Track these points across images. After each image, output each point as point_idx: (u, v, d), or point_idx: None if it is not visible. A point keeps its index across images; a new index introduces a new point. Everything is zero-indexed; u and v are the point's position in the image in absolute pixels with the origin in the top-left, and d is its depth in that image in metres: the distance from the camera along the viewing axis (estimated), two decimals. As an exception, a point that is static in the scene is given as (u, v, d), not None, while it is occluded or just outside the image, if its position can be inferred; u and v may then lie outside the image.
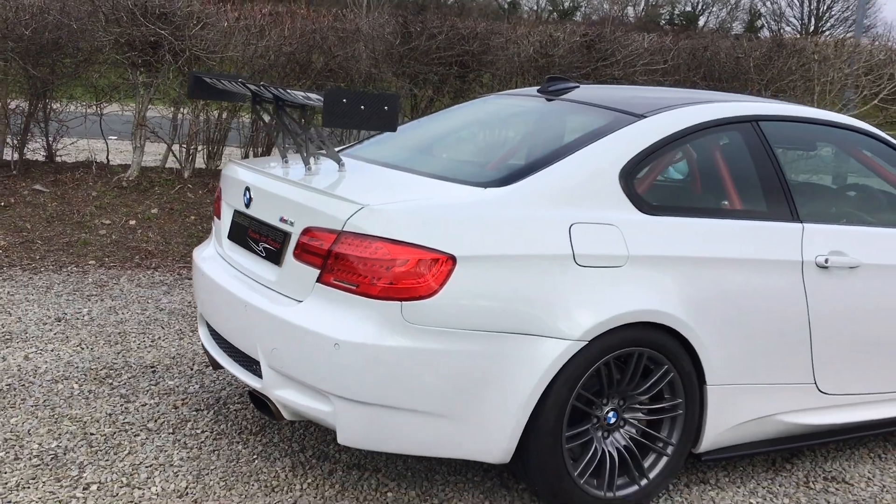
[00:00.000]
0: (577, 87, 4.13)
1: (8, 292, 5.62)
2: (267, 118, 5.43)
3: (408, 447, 3.04)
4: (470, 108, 4.43)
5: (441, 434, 3.01)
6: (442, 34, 8.18)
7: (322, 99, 2.89)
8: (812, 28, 71.18)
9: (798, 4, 73.35)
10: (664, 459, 3.36)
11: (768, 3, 75.24)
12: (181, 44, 7.70)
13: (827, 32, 67.89)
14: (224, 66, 8.15)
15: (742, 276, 3.43)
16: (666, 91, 4.55)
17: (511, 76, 8.56)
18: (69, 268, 6.36)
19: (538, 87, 4.18)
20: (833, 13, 70.01)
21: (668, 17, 78.47)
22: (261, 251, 3.38)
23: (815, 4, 70.25)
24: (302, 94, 3.12)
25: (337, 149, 3.88)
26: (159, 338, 4.97)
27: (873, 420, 3.91)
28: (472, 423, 3.01)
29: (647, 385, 3.28)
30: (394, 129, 3.13)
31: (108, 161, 8.57)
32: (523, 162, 3.38)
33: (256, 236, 3.42)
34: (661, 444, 3.36)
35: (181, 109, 8.26)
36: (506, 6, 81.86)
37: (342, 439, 3.00)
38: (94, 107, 8.26)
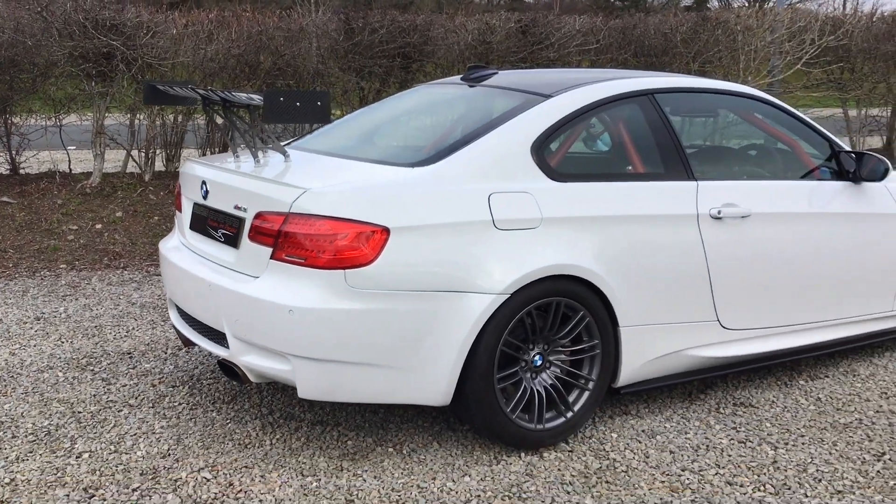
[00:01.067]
0: (496, 73, 4.59)
1: (-13, 298, 5.99)
2: (220, 119, 5.82)
3: (360, 396, 3.50)
4: (403, 98, 4.89)
5: (388, 383, 3.47)
6: (383, 28, 8.61)
7: (262, 98, 3.33)
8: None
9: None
10: (586, 394, 3.84)
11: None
12: (133, 53, 8.06)
13: (772, 2, 69.05)
14: (176, 71, 8.51)
15: (645, 231, 3.91)
16: (575, 72, 5.02)
17: (453, 64, 9.01)
18: (42, 272, 6.73)
19: (461, 76, 4.64)
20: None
21: (616, -7, 79.22)
22: (220, 237, 3.81)
23: (761, -27, 71.29)
24: (245, 95, 3.56)
25: (286, 142, 4.32)
26: (133, 328, 5.37)
27: (775, 350, 4.42)
28: (414, 371, 3.47)
29: (567, 330, 3.76)
30: (327, 121, 3.59)
31: (71, 170, 8.92)
32: (446, 143, 3.83)
33: (215, 224, 3.85)
34: (583, 381, 3.84)
35: (137, 116, 8.62)
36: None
37: (301, 393, 3.45)
38: (54, 118, 8.61)
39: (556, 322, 3.73)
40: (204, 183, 3.93)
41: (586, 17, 9.59)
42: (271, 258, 3.46)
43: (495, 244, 3.54)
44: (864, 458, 3.72)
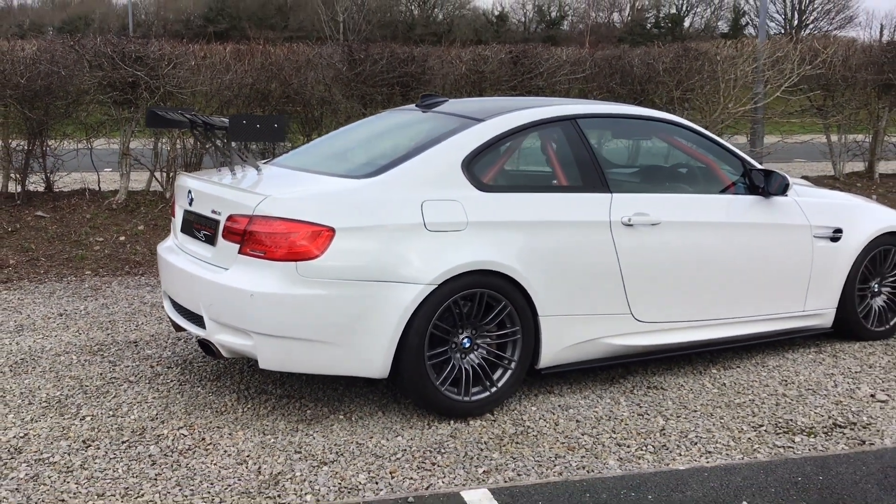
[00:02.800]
0: (446, 101, 5.32)
1: (18, 298, 6.81)
2: (202, 140, 6.56)
3: (310, 367, 4.23)
4: (369, 122, 5.64)
5: (333, 357, 4.19)
6: (383, 59, 9.39)
7: (228, 122, 4.10)
8: (796, 23, 72.45)
9: (781, 0, 74.58)
10: (509, 373, 4.52)
11: (751, 1, 76.64)
12: (155, 82, 8.92)
13: (811, 25, 69.02)
14: (195, 98, 9.36)
15: (563, 234, 4.60)
16: (515, 100, 5.72)
17: (449, 92, 9.75)
18: (69, 278, 7.55)
19: (416, 103, 5.38)
20: (815, 6, 71.24)
21: (653, 21, 79.82)
22: (201, 237, 4.57)
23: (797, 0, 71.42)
24: (219, 118, 4.33)
25: (265, 160, 5.08)
26: (142, 323, 6.15)
27: (688, 342, 5.07)
28: (355, 347, 4.18)
29: (491, 317, 4.45)
30: (283, 140, 4.35)
31: (100, 188, 9.79)
32: (391, 159, 4.56)
33: (198, 226, 4.61)
34: (506, 362, 4.52)
35: (161, 139, 9.46)
36: (494, 19, 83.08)
37: (262, 364, 4.18)
38: (85, 142, 9.48)
39: (481, 310, 4.42)
40: (190, 192, 4.70)
41: (573, 49, 10.31)
42: (238, 253, 4.21)
43: (425, 243, 4.25)
44: (742, 429, 4.36)
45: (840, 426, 4.40)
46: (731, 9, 77.36)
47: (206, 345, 4.46)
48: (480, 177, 4.56)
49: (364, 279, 4.14)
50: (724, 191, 5.34)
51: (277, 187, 4.41)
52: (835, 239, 5.53)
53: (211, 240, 4.46)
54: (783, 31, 71.59)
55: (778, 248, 5.32)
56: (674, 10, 79.97)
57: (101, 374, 5.06)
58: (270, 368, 4.21)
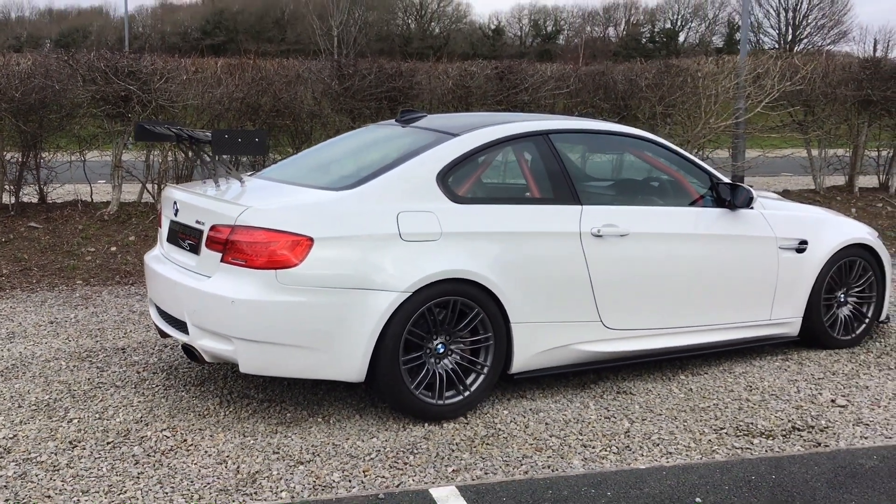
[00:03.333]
0: (425, 116, 5.51)
1: (10, 307, 6.98)
2: (191, 153, 6.78)
3: (289, 372, 4.40)
4: (350, 136, 5.83)
5: (311, 361, 4.36)
6: (372, 74, 9.59)
7: (210, 135, 4.28)
8: (790, 38, 72.86)
9: (775, 15, 75.03)
10: (482, 377, 4.69)
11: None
12: (147, 96, 9.11)
13: (805, 40, 69.48)
14: (187, 112, 9.55)
15: (534, 244, 4.79)
16: (492, 116, 5.91)
17: (436, 106, 9.96)
18: (60, 287, 7.72)
19: (395, 118, 5.57)
20: (809, 21, 71.67)
21: (648, 36, 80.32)
22: (186, 246, 4.74)
23: (791, 15, 71.91)
24: (203, 132, 4.51)
25: (250, 172, 5.26)
26: (130, 331, 6.32)
27: (657, 349, 5.25)
28: (333, 352, 4.36)
29: (465, 324, 4.63)
30: (263, 154, 4.53)
31: (92, 199, 9.96)
32: (368, 172, 4.74)
33: (183, 236, 4.79)
34: (479, 367, 4.69)
35: (152, 152, 9.64)
36: (490, 33, 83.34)
37: (243, 369, 4.36)
38: (78, 154, 9.66)
39: (454, 317, 4.60)
40: (175, 203, 4.88)
41: (557, 65, 10.52)
42: (221, 261, 4.39)
43: (400, 252, 4.43)
44: (703, 431, 4.54)
45: (798, 429, 4.58)
46: (725, 24, 78.00)
47: (189, 350, 4.63)
48: (455, 189, 4.74)
49: (341, 287, 4.32)
50: (692, 203, 5.53)
51: (259, 199, 4.59)
52: (800, 250, 5.72)
53: (195, 249, 4.63)
54: (777, 46, 72.16)
55: (744, 259, 5.50)
56: (668, 26, 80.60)
57: (88, 378, 5.23)
58: (250, 372, 4.39)
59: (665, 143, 5.55)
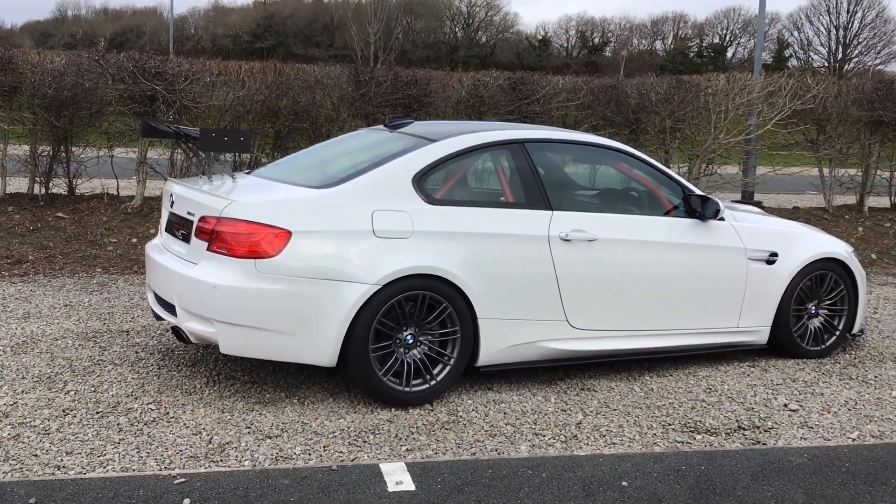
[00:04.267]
0: (412, 122, 5.85)
1: (31, 290, 7.43)
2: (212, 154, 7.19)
3: (265, 354, 4.75)
4: (342, 140, 6.20)
5: (286, 345, 4.71)
6: (387, 81, 9.96)
7: (198, 132, 4.66)
8: (840, 56, 72.12)
9: (826, 33, 74.32)
10: (448, 368, 5.01)
11: (795, 34, 76.56)
12: (173, 96, 9.56)
13: (855, 59, 68.75)
14: (210, 113, 9.99)
15: (503, 245, 5.10)
16: (473, 124, 6.23)
17: (450, 114, 10.30)
18: (80, 274, 8.18)
19: (384, 123, 5.92)
20: (860, 40, 70.98)
21: (696, 50, 79.98)
22: (179, 236, 5.13)
23: (842, 34, 71.25)
24: (193, 130, 4.90)
25: (247, 170, 5.63)
26: (137, 315, 6.73)
27: (623, 349, 5.53)
28: (307, 338, 4.70)
29: (432, 317, 4.95)
30: (248, 152, 4.89)
31: (118, 193, 10.44)
32: (349, 172, 5.09)
33: (178, 226, 5.17)
34: (446, 358, 5.01)
35: (176, 150, 10.09)
36: (536, 44, 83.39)
37: (223, 349, 4.72)
38: (106, 150, 10.15)
39: (424, 310, 4.93)
40: (172, 195, 5.27)
41: (569, 77, 10.81)
42: (207, 250, 4.76)
43: (373, 248, 4.77)
44: (651, 426, 4.81)
45: (743, 429, 4.84)
46: (774, 40, 77.44)
47: (177, 331, 5.01)
48: (429, 191, 5.07)
49: (316, 277, 4.67)
50: (663, 213, 5.79)
51: (244, 194, 4.97)
52: (770, 262, 5.96)
53: (186, 238, 5.01)
54: (826, 65, 71.56)
55: (711, 268, 5.76)
56: (717, 40, 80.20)
57: (90, 356, 5.63)
58: (230, 353, 4.75)
59: (640, 154, 5.83)
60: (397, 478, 3.96)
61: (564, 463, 4.21)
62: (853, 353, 6.45)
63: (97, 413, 4.67)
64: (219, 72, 9.91)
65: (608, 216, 5.54)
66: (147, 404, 4.82)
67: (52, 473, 3.94)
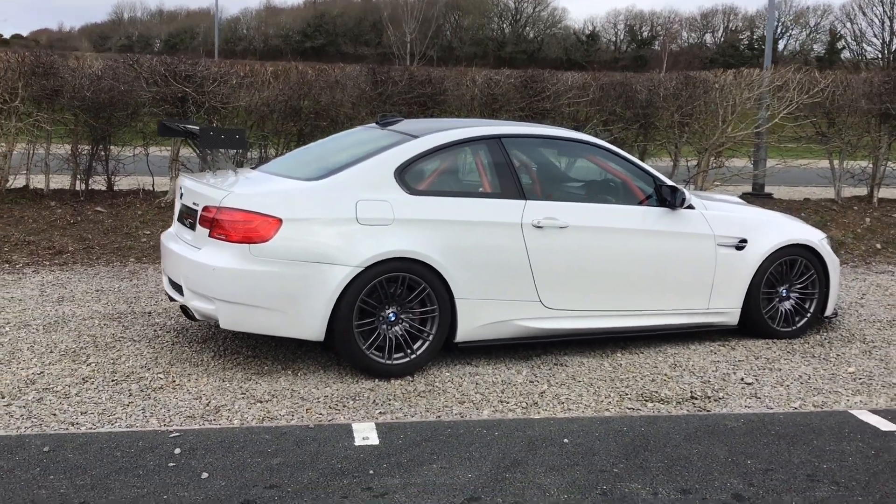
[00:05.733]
0: (401, 120, 6.37)
1: (68, 277, 8.11)
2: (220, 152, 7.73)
3: (260, 329, 5.32)
4: (338, 137, 6.76)
5: (278, 321, 5.27)
6: (403, 81, 10.50)
7: (198, 130, 5.23)
8: (895, 48, 70.93)
9: (879, 24, 73.17)
10: (427, 343, 5.52)
11: (848, 25, 75.59)
12: (202, 98, 10.21)
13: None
14: (238, 113, 10.62)
15: (479, 232, 5.59)
16: (458, 122, 6.71)
17: (462, 111, 10.81)
18: (114, 263, 8.84)
19: (376, 121, 6.45)
20: (915, 30, 69.68)
21: (746, 43, 79.25)
22: (187, 224, 5.71)
23: (896, 24, 70.07)
24: (195, 128, 5.47)
25: (253, 165, 6.20)
26: (161, 299, 7.34)
27: (595, 328, 5.99)
28: (296, 314, 5.25)
29: (412, 297, 5.47)
30: (244, 148, 5.45)
31: (153, 189, 11.14)
32: (337, 166, 5.63)
33: (186, 216, 5.76)
34: (426, 334, 5.52)
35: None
36: (584, 39, 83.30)
37: (222, 325, 5.29)
38: (141, 148, 10.84)
39: (404, 291, 5.44)
40: (181, 187, 5.86)
41: (579, 75, 11.24)
42: (208, 236, 5.33)
43: (356, 234, 5.30)
44: (609, 395, 5.27)
45: (695, 398, 5.28)
46: (827, 32, 76.48)
47: (185, 309, 5.60)
48: (410, 183, 5.59)
49: (304, 260, 5.21)
50: (636, 202, 6.23)
51: (242, 186, 5.54)
52: (739, 248, 6.37)
53: (192, 226, 5.60)
54: (880, 56, 70.51)
55: (680, 253, 6.18)
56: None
57: (113, 334, 6.25)
58: (229, 328, 5.32)
59: (613, 148, 6.28)
60: (365, 434, 4.50)
61: (518, 424, 4.71)
62: (825, 334, 6.82)
63: (112, 381, 5.28)
64: (244, 74, 10.53)
65: (579, 205, 6.00)
66: (157, 374, 5.42)
67: (66, 429, 4.55)
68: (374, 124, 6.52)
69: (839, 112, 11.68)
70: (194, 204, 5.57)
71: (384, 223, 5.37)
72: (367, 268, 5.28)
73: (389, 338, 5.46)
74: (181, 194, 5.88)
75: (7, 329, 6.28)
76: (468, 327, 5.63)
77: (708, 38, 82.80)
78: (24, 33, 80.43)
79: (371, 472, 4.06)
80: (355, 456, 4.24)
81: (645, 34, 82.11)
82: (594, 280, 5.94)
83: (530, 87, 10.81)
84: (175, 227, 6.08)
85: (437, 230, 5.48)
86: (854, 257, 10.16)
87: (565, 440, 4.48)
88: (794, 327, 6.65)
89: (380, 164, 5.56)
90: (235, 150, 5.93)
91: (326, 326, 5.29)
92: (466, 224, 5.57)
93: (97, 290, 7.59)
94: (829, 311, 6.84)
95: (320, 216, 5.29)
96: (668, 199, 6.18)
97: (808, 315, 6.69)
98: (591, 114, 11.00)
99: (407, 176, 5.59)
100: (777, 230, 6.60)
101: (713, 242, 6.30)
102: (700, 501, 3.85)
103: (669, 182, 6.31)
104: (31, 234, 9.42)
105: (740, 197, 11.78)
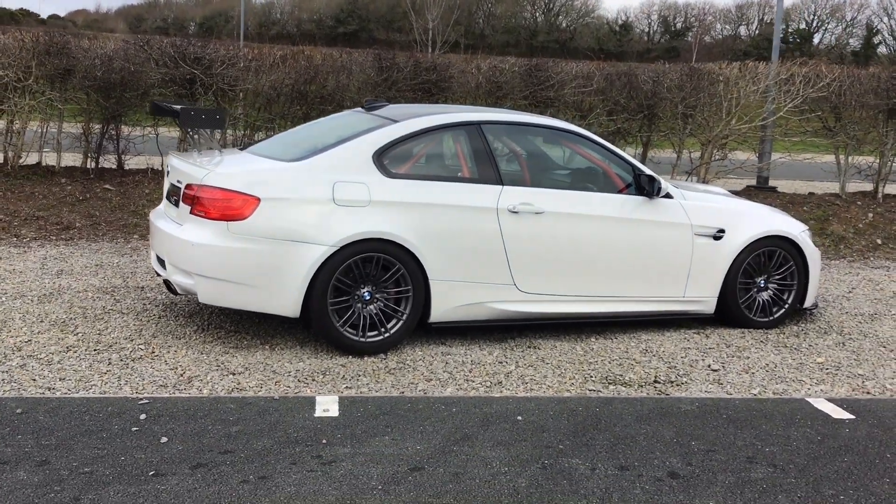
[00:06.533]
0: (386, 105, 6.51)
1: (70, 251, 8.34)
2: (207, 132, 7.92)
3: (237, 304, 5.49)
4: (324, 120, 6.92)
5: (255, 297, 5.44)
6: (408, 67, 10.63)
7: (179, 110, 5.41)
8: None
9: (896, 20, 72.10)
10: (401, 323, 5.68)
11: (885, 20, 74.63)
12: (210, 80, 10.40)
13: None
14: (246, 96, 10.80)
15: (455, 215, 5.73)
16: (438, 107, 6.84)
17: (466, 98, 10.92)
18: (118, 239, 9.07)
19: (361, 106, 6.60)
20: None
21: (781, 36, 78.70)
22: (173, 202, 5.90)
23: (934, 17, 69.15)
24: (176, 107, 5.64)
25: (240, 146, 6.38)
26: (158, 275, 7.56)
27: (569, 312, 6.12)
28: (273, 291, 5.43)
29: (387, 277, 5.62)
30: (222, 129, 5.62)
31: (162, 168, 11.35)
32: (318, 148, 5.79)
33: (172, 193, 5.94)
34: (399, 314, 5.68)
35: (214, 130, 10.94)
36: (617, 28, 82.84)
37: (201, 299, 5.47)
38: (151, 128, 11.07)
39: (378, 271, 5.60)
40: (168, 166, 6.05)
41: (583, 64, 11.31)
42: (190, 213, 5.52)
43: (333, 214, 5.46)
44: (573, 377, 5.40)
45: (658, 382, 5.40)
46: (863, 27, 75.56)
47: (168, 283, 5.79)
48: (388, 166, 5.74)
49: (281, 238, 5.38)
50: (615, 191, 6.34)
51: (224, 166, 5.71)
52: (717, 238, 6.46)
53: (177, 203, 5.78)
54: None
55: (657, 241, 6.29)
56: (803, 26, 78.58)
57: (103, 306, 6.47)
58: (207, 302, 5.51)
59: (592, 136, 6.39)
60: (326, 406, 4.67)
61: (477, 402, 4.85)
62: (803, 325, 6.90)
63: (95, 350, 5.48)
64: (252, 57, 10.71)
65: (556, 192, 6.12)
66: (139, 345, 5.62)
67: (42, 393, 4.76)
68: (359, 109, 6.66)
69: (846, 107, 11.66)
70: (178, 182, 5.75)
71: (361, 205, 5.53)
72: (343, 247, 5.44)
73: (364, 316, 5.62)
74: (167, 172, 6.06)
75: (3, 299, 6.51)
76: (442, 308, 5.77)
77: (742, 30, 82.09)
78: (62, 14, 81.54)
79: (324, 441, 4.23)
80: (312, 426, 4.41)
81: (679, 25, 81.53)
82: (569, 265, 6.06)
83: (534, 75, 10.90)
84: (163, 204, 6.28)
85: (412, 213, 5.63)
86: (853, 252, 10.18)
87: (518, 417, 4.63)
88: (770, 318, 6.73)
89: (358, 147, 5.71)
90: (221, 131, 6.05)
91: (302, 303, 5.46)
92: (442, 207, 5.71)
93: (96, 265, 7.81)
94: (808, 303, 6.91)
95: (298, 196, 5.45)
96: (645, 187, 6.28)
97: (786, 306, 6.77)
98: (595, 103, 11.07)
99: (385, 159, 5.74)
100: (756, 221, 6.68)
101: (690, 232, 6.39)
102: (636, 478, 3.98)
103: (648, 171, 6.40)
104: (41, 210, 9.68)
105: (744, 190, 11.86)
